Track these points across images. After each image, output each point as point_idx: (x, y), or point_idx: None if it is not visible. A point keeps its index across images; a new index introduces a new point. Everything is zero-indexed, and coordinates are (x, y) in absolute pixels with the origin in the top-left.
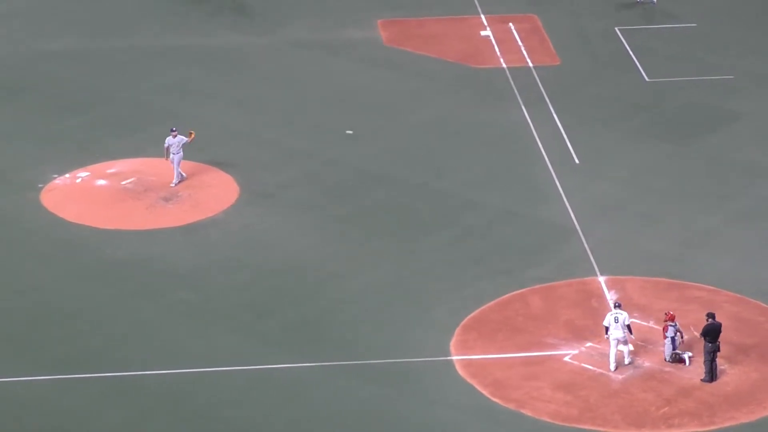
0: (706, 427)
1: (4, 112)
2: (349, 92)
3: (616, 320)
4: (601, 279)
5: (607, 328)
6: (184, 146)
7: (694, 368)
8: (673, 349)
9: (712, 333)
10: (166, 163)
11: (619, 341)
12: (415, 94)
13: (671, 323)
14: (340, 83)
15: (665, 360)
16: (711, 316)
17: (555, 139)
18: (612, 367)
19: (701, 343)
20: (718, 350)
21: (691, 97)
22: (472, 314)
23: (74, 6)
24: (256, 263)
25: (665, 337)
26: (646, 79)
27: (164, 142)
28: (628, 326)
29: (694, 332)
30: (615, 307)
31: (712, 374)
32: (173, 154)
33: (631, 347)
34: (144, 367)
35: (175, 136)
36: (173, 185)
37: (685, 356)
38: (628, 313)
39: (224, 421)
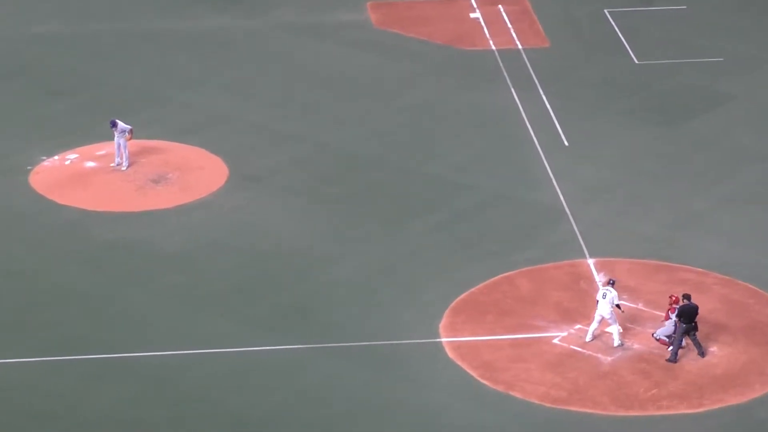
0: (694, 409)
1: None
2: (338, 75)
3: (604, 296)
4: (590, 261)
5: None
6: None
7: (684, 351)
8: (673, 332)
9: (686, 314)
10: (154, 145)
11: (604, 318)
12: (404, 76)
13: (677, 305)
14: (329, 66)
15: (653, 335)
16: (687, 297)
17: (544, 122)
18: (588, 338)
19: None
20: (696, 330)
21: (681, 80)
22: (461, 297)
23: None
24: (245, 246)
25: (668, 318)
26: (636, 61)
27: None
28: (617, 305)
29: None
30: (608, 284)
31: (677, 354)
32: (120, 138)
33: (620, 329)
34: (133, 350)
35: (115, 126)
36: (124, 168)
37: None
38: (617, 293)
39: (213, 404)
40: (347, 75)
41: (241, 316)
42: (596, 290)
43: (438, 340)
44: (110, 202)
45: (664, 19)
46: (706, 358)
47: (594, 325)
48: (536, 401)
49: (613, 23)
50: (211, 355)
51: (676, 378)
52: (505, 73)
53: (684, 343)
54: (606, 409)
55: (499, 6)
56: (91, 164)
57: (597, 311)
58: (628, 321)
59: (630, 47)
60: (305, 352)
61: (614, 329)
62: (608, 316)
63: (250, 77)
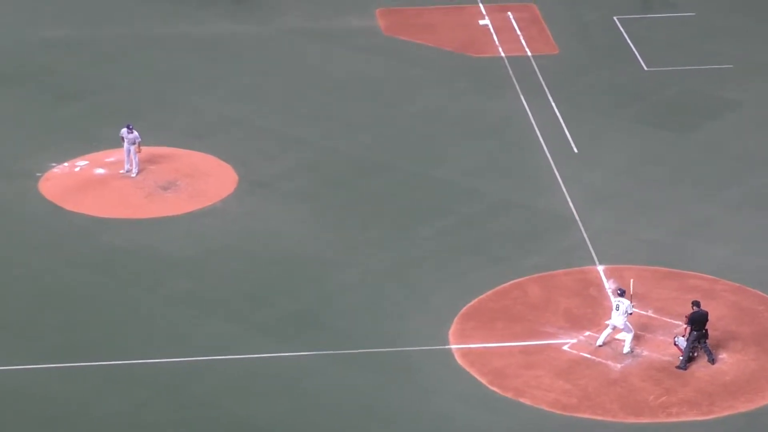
0: (704, 416)
1: (2, 101)
2: (347, 81)
3: (617, 308)
4: (600, 268)
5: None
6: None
7: (693, 358)
8: (690, 352)
9: (697, 321)
10: (164, 152)
11: (617, 328)
12: (413, 82)
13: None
14: (338, 72)
15: (674, 339)
16: (696, 304)
17: (553, 128)
18: (599, 342)
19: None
20: (707, 337)
21: (690, 86)
22: (470, 303)
23: None
24: (254, 252)
25: (686, 338)
26: (645, 68)
27: (122, 133)
28: (630, 313)
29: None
30: (618, 294)
31: (688, 361)
32: (129, 144)
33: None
34: (142, 356)
35: (131, 132)
36: (134, 175)
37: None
38: (630, 302)
39: (221, 410)
40: (356, 81)
41: (250, 322)
42: (606, 297)
43: (447, 346)
44: (120, 209)
45: (672, 26)
46: (716, 365)
47: (606, 331)
48: (546, 408)
49: (622, 30)
50: (219, 361)
51: (686, 385)
52: (515, 80)
53: (696, 354)
54: (616, 416)
55: (509, 13)
56: (100, 171)
57: (610, 321)
58: (638, 328)
59: (639, 54)
60: (313, 359)
61: (627, 336)
62: (621, 326)
63: (260, 83)
